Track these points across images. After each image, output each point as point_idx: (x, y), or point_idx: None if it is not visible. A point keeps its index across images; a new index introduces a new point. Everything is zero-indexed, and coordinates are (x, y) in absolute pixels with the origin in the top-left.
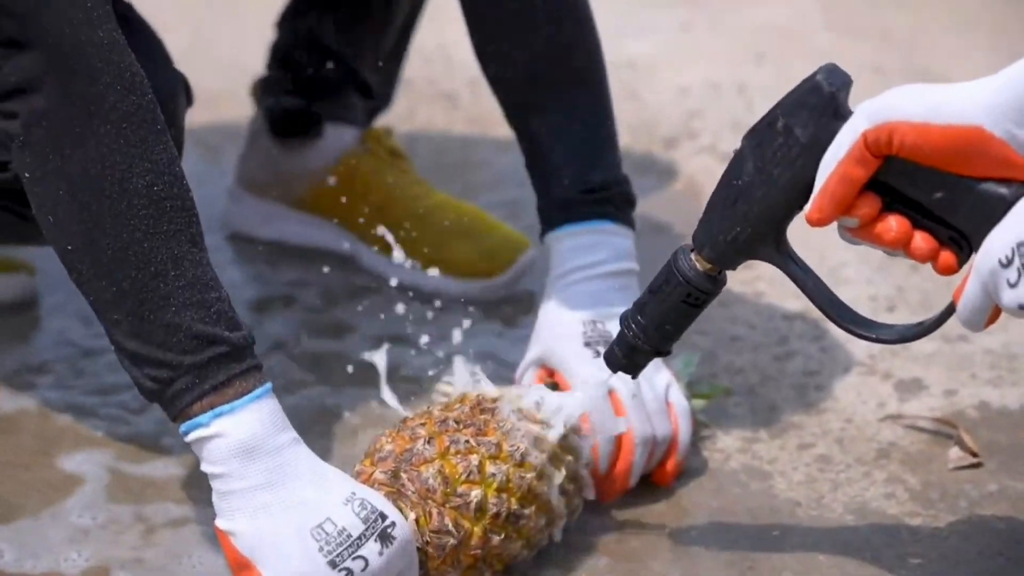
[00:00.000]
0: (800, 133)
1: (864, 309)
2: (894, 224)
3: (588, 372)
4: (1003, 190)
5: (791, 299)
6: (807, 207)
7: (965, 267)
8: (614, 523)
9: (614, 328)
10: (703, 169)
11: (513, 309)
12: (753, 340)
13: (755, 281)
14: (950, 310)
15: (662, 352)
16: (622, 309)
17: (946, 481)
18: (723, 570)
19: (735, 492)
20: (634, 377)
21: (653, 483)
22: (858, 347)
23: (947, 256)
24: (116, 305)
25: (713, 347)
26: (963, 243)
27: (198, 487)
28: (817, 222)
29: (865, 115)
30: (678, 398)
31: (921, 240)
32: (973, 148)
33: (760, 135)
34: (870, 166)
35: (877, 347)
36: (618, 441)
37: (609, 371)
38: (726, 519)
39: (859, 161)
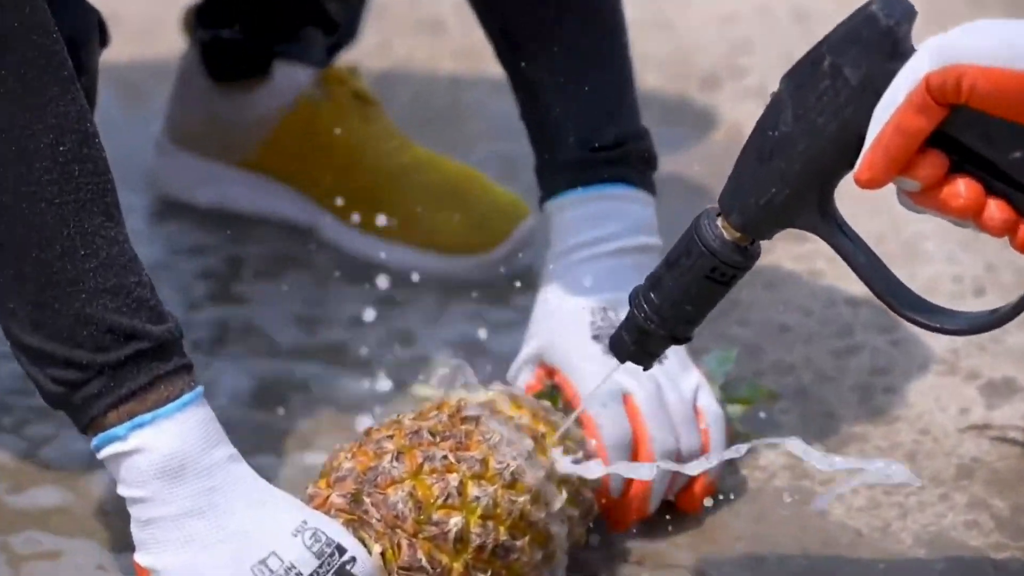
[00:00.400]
0: (850, 74)
1: (946, 293)
2: (963, 188)
3: (597, 372)
4: None
5: (857, 280)
6: (856, 164)
7: None
8: (627, 559)
9: None
10: (749, 116)
11: (505, 290)
12: (807, 330)
13: (812, 257)
14: None
15: (679, 338)
16: None
17: None
18: None
19: (780, 518)
20: (646, 368)
21: (677, 509)
22: (938, 340)
23: None
24: (13, 292)
25: (756, 339)
26: None
27: (83, 516)
28: (868, 182)
29: (929, 54)
30: (709, 403)
31: (996, 209)
32: None
33: (802, 76)
34: (934, 116)
35: (960, 341)
36: (633, 456)
37: (624, 382)
38: (768, 553)
39: (920, 109)
